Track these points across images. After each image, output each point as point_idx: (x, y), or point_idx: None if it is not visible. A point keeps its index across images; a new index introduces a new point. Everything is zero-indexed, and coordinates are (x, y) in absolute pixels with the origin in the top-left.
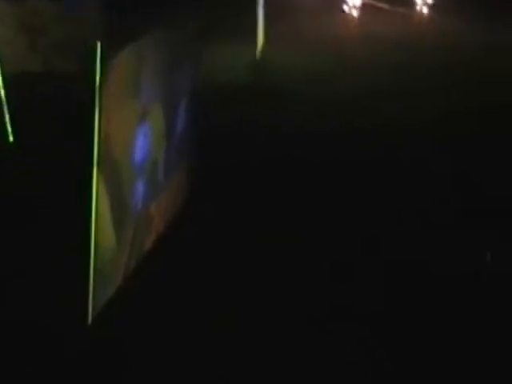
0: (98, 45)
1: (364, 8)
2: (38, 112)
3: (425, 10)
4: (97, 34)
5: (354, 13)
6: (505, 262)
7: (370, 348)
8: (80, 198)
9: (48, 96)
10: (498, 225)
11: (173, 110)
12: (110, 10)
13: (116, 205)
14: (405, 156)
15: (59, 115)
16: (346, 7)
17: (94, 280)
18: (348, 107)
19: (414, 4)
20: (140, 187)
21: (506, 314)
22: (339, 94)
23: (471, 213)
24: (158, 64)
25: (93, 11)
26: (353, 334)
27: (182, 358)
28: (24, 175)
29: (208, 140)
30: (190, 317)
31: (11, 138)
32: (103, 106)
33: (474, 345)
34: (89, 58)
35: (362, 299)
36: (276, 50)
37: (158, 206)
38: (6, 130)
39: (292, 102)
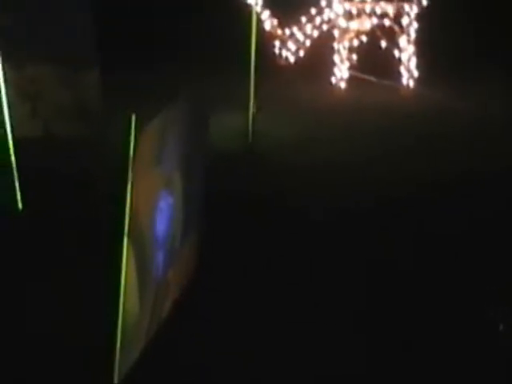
0: (133, 116)
1: (351, 80)
2: (43, 178)
3: (411, 83)
4: (96, 97)
5: (342, 85)
6: None
7: None
8: (98, 265)
9: (52, 161)
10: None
11: (188, 178)
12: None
13: (140, 273)
14: (392, 221)
15: (65, 181)
16: (333, 79)
17: (120, 347)
18: (339, 174)
19: (400, 77)
20: (161, 255)
21: None
22: (328, 161)
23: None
24: (178, 132)
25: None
26: None
27: None
28: (35, 242)
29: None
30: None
31: (20, 206)
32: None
33: None
34: (89, 122)
35: None
36: (267, 119)
37: (174, 273)
38: (16, 198)
39: (285, 170)
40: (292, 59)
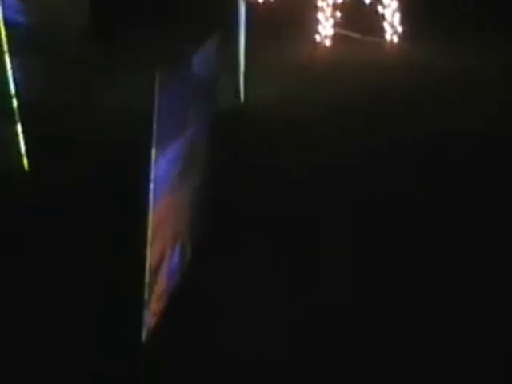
0: (158, 75)
1: (335, 37)
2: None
3: (395, 39)
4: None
5: (327, 42)
6: None
7: None
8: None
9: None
10: None
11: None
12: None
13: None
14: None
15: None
16: (317, 37)
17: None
18: (327, 128)
19: (384, 33)
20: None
21: None
22: (318, 116)
23: None
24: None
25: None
26: None
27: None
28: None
29: None
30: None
31: (26, 166)
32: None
33: None
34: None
35: None
36: (256, 79)
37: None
38: (22, 159)
39: (279, 127)
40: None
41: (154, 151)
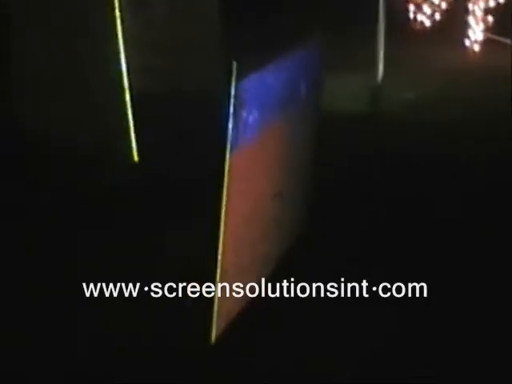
0: (234, 65)
1: (486, 43)
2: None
3: None
4: None
5: (476, 47)
6: None
7: None
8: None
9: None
10: None
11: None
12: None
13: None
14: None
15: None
16: (467, 41)
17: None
18: (464, 135)
19: None
20: None
21: None
22: (456, 123)
23: None
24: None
25: None
26: None
27: None
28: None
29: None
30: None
31: (136, 158)
32: None
33: None
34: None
35: None
36: (396, 80)
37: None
38: (131, 149)
39: (413, 130)
40: (427, 23)
41: None
